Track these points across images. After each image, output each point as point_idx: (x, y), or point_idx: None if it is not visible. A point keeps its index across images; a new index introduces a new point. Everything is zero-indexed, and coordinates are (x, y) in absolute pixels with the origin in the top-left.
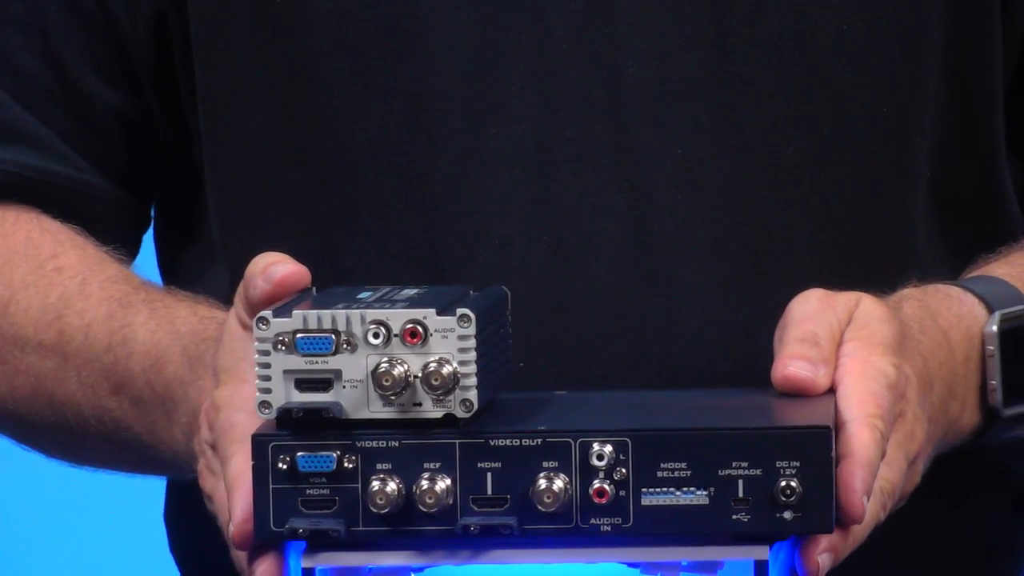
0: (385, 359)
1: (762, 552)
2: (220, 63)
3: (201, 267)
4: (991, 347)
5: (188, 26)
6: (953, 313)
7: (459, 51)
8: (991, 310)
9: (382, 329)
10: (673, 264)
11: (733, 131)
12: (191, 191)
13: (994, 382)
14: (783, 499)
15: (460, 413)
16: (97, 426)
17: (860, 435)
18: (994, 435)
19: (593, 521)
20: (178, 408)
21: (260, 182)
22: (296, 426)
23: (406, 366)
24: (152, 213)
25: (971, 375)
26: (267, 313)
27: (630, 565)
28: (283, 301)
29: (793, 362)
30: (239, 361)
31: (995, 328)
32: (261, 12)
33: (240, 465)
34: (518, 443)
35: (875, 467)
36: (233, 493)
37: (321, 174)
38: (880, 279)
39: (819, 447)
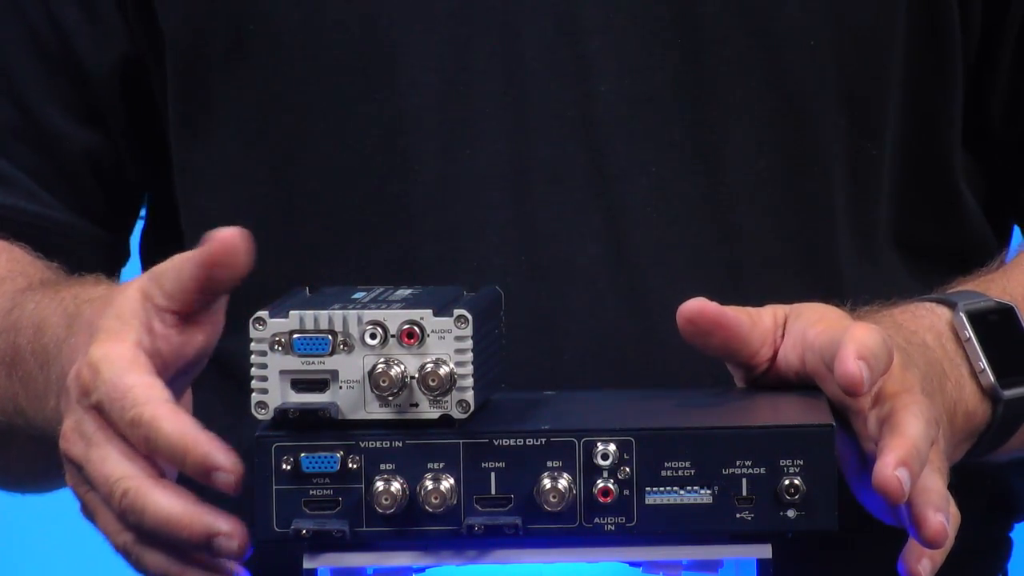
0: (382, 360)
1: (765, 551)
2: (197, 93)
3: None
4: (966, 332)
5: (163, 58)
6: (916, 317)
7: (432, 74)
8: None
9: (379, 330)
10: (651, 282)
11: (706, 148)
12: (168, 220)
13: (981, 363)
14: (787, 497)
15: (456, 414)
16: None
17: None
18: (1006, 422)
19: (597, 520)
20: (51, 366)
21: (237, 209)
22: (292, 427)
23: (403, 367)
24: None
25: (956, 359)
26: (263, 313)
27: (632, 564)
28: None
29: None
30: (123, 326)
31: (962, 314)
32: (237, 41)
33: (178, 420)
34: (522, 443)
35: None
36: (197, 447)
37: (299, 200)
38: (852, 287)
39: (823, 445)
